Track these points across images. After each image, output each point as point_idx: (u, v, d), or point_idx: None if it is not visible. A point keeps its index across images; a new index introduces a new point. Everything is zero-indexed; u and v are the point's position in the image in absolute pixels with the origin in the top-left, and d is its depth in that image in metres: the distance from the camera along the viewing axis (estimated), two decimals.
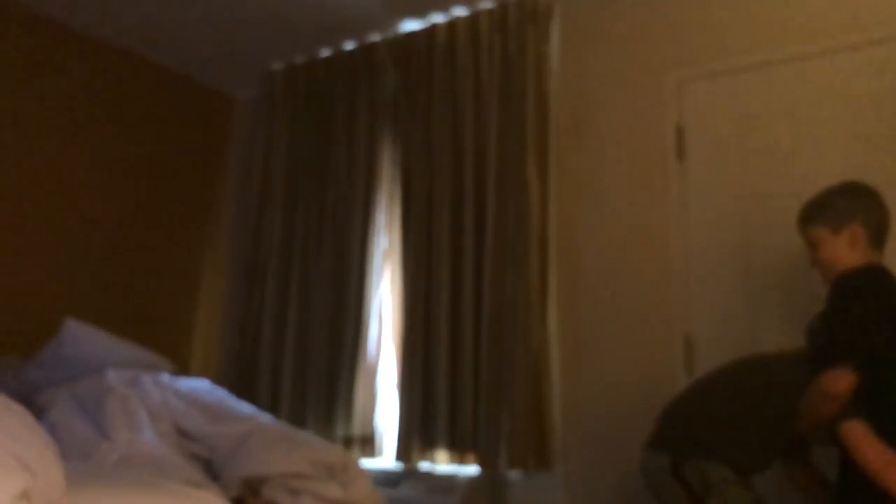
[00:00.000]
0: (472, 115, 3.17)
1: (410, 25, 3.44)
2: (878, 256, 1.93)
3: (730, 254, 2.69)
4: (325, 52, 3.74)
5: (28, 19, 3.34)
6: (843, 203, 1.95)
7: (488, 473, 2.86)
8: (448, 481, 2.93)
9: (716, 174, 2.76)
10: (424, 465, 3.01)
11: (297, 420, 3.32)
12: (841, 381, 1.74)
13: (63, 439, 2.08)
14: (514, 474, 2.89)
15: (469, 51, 3.24)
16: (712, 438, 1.99)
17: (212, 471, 2.17)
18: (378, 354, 3.30)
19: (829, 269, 1.95)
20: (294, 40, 3.63)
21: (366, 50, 3.58)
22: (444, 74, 3.27)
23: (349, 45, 3.65)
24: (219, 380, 3.68)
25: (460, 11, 3.29)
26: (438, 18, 3.36)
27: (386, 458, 3.17)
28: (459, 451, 2.94)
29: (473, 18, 3.26)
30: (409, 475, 3.02)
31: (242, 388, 3.48)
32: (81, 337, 2.60)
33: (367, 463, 3.10)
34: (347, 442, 3.20)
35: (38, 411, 2.25)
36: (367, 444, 3.19)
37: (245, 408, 2.48)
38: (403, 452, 3.00)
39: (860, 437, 1.73)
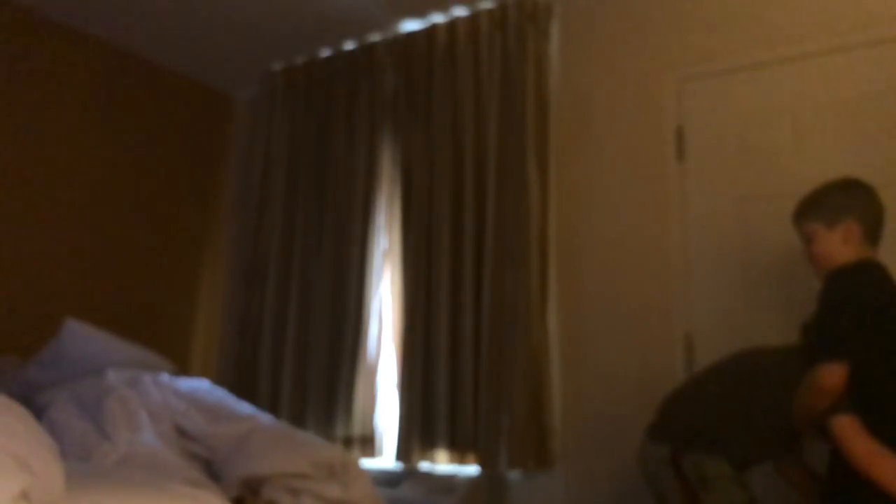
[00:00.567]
0: (472, 115, 3.17)
1: (410, 25, 3.44)
2: (873, 253, 1.93)
3: (729, 253, 2.69)
4: (326, 52, 3.74)
5: (28, 19, 3.34)
6: (839, 199, 1.95)
7: (488, 473, 2.86)
8: (448, 481, 2.93)
9: (716, 174, 2.76)
10: (424, 465, 3.01)
11: (297, 420, 3.32)
12: (832, 375, 1.75)
13: (63, 439, 2.08)
14: (514, 474, 2.90)
15: (469, 51, 3.24)
16: (712, 430, 1.99)
17: (212, 471, 2.17)
18: (378, 354, 3.30)
19: (822, 264, 1.95)
20: (294, 40, 3.63)
21: (366, 50, 3.58)
22: (444, 74, 3.28)
23: (349, 46, 3.66)
24: (219, 380, 3.69)
25: (460, 11, 3.29)
26: (438, 18, 3.36)
27: (386, 458, 3.17)
28: (459, 451, 2.94)
29: (473, 18, 3.27)
30: (409, 475, 3.01)
31: (242, 388, 3.49)
32: (81, 337, 2.59)
33: (367, 463, 3.10)
34: (347, 442, 3.20)
35: (38, 411, 2.24)
36: (367, 444, 3.19)
37: (245, 408, 2.48)
38: (403, 452, 3.00)
39: (850, 431, 1.73)
